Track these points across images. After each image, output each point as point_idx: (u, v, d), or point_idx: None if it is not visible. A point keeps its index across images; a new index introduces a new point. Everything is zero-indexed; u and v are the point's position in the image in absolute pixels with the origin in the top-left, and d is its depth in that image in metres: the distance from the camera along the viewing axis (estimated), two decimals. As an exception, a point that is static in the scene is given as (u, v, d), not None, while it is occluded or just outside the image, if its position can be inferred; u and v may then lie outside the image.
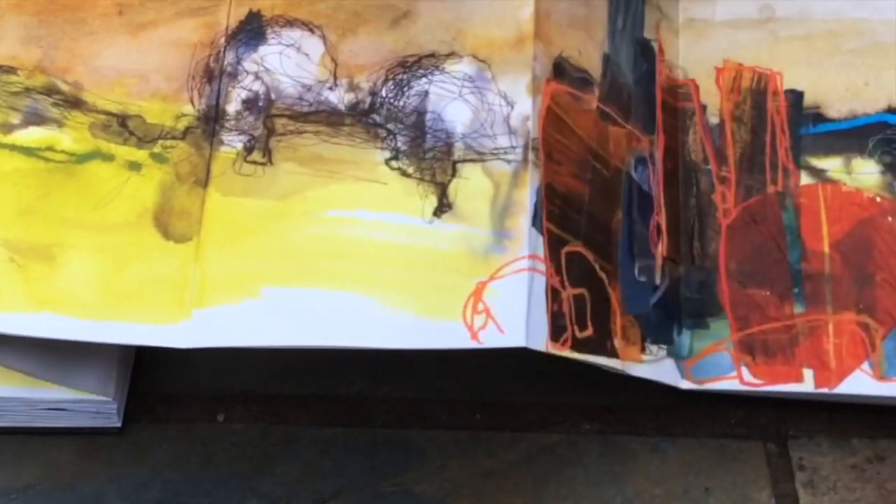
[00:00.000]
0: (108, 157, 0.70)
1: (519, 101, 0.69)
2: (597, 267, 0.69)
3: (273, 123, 0.70)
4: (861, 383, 0.71)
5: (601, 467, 0.76)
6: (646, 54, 0.75)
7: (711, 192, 0.75)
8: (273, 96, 0.71)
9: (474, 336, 0.64)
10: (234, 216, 0.68)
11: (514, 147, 0.68)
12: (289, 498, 0.75)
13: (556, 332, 0.65)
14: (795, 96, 0.77)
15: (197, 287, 0.67)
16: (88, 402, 0.76)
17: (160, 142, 0.70)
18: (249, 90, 0.71)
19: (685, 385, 0.72)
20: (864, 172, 0.75)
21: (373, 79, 0.71)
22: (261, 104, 0.71)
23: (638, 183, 0.71)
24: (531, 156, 0.67)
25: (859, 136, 0.75)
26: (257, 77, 0.72)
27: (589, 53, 0.72)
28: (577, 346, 0.66)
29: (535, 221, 0.66)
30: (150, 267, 0.67)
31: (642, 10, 0.76)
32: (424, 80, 0.70)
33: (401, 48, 0.71)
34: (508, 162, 0.67)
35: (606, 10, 0.74)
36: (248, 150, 0.70)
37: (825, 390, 0.70)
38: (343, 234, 0.67)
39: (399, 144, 0.69)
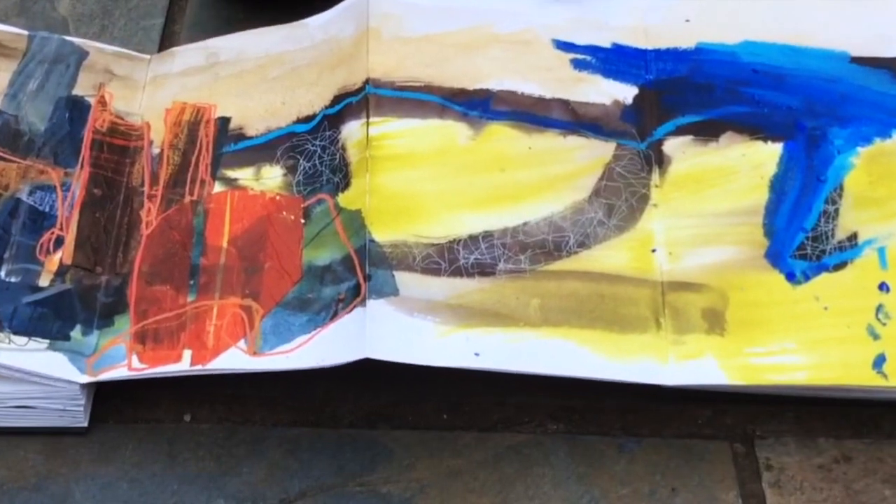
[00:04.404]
0: None
1: None
2: None
3: None
4: (235, 359, 0.77)
5: (568, 467, 0.76)
6: (72, 107, 0.89)
7: (141, 209, 0.86)
8: None
9: None
10: None
11: None
12: (255, 498, 0.75)
13: None
14: (223, 122, 0.89)
15: None
16: (55, 399, 0.77)
17: None
18: None
19: (84, 379, 0.77)
20: (271, 177, 0.86)
21: None
22: None
23: (30, 204, 0.84)
24: None
25: (271, 147, 0.87)
26: None
27: None
28: None
29: None
30: None
31: (72, 75, 0.91)
32: None
33: None
34: None
35: (8, 80, 0.90)
36: None
37: (199, 367, 0.76)
38: None
39: None
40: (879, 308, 0.76)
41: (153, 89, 0.92)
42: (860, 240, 0.78)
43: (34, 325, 0.79)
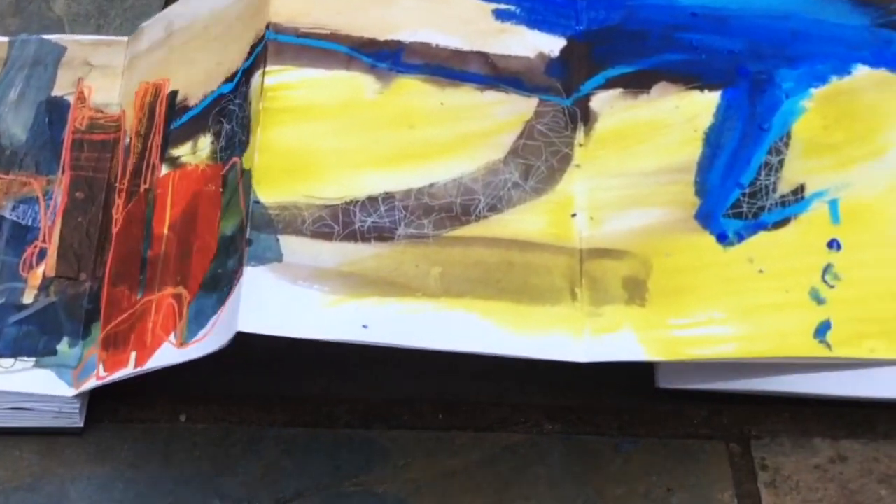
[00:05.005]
0: None
1: None
2: None
3: None
4: (167, 355, 0.72)
5: (564, 467, 0.76)
6: (52, 109, 0.87)
7: (113, 207, 0.81)
8: None
9: None
10: None
11: None
12: (250, 498, 0.75)
13: None
14: (173, 96, 0.83)
15: None
16: (51, 401, 0.76)
17: None
18: None
19: (72, 392, 0.75)
20: (203, 148, 0.79)
21: None
22: None
23: (13, 220, 0.82)
24: None
25: (206, 115, 0.80)
26: None
27: None
28: None
29: None
30: None
31: (51, 76, 0.88)
32: None
33: None
34: None
35: None
36: None
37: (140, 369, 0.73)
38: None
39: None
40: (827, 269, 0.70)
41: (129, 73, 0.88)
42: (807, 192, 0.72)
43: (20, 345, 0.78)
